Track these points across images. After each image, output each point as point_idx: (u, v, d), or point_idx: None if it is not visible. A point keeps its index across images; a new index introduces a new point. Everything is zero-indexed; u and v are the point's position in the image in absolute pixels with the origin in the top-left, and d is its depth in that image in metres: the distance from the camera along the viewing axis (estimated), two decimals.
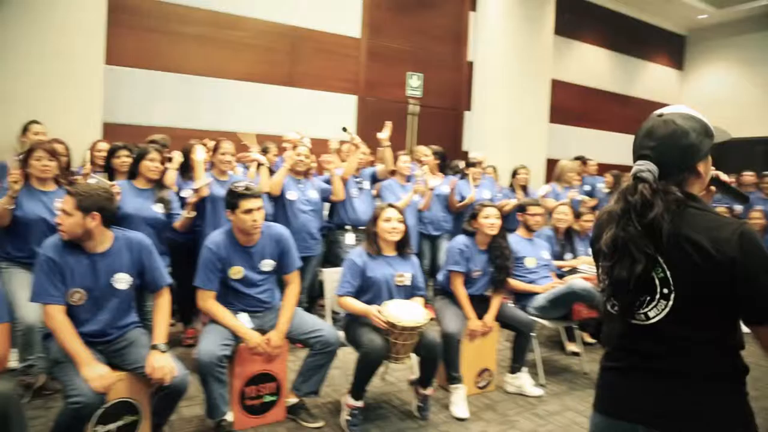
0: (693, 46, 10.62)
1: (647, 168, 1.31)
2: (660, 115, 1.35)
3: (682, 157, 1.32)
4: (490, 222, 3.48)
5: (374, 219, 3.17)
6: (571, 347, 4.46)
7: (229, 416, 2.81)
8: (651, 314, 1.30)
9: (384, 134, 4.70)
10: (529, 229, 4.12)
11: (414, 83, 7.21)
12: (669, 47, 10.49)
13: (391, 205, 3.20)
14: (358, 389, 2.94)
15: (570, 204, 4.81)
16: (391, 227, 3.11)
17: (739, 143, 10.15)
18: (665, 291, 1.27)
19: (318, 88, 6.58)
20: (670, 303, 1.26)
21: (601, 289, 1.39)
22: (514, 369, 3.63)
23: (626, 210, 1.30)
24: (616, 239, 1.30)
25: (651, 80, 10.19)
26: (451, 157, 6.09)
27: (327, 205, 4.73)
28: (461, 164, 5.70)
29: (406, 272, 3.15)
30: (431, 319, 3.05)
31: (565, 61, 8.74)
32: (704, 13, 9.79)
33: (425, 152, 5.32)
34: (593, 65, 9.27)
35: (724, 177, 1.48)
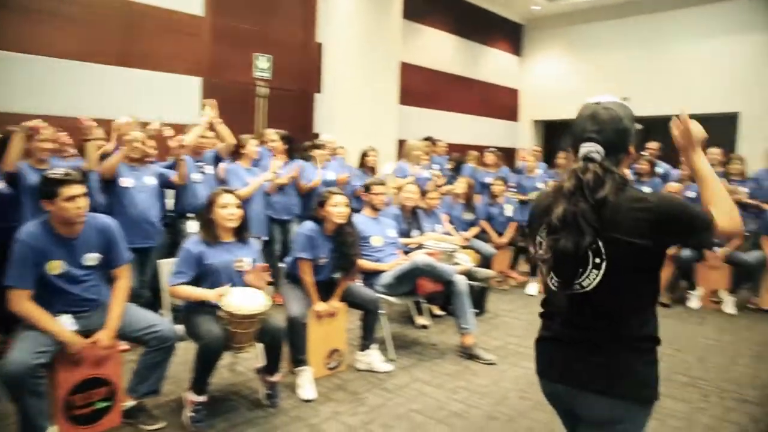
0: (529, 35, 11.49)
1: (596, 149, 1.45)
2: (598, 103, 1.50)
3: (621, 139, 1.47)
4: (338, 210, 3.48)
5: (210, 205, 3.03)
6: (420, 320, 4.66)
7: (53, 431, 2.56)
8: (584, 284, 1.43)
9: (206, 115, 4.55)
10: (374, 208, 4.20)
11: (262, 65, 7.01)
12: (509, 35, 11.26)
13: (227, 191, 3.08)
14: (199, 383, 2.82)
15: (416, 182, 4.99)
16: (228, 213, 3.00)
17: (569, 124, 11.23)
18: (597, 261, 1.40)
19: (158, 69, 6.13)
20: (601, 272, 1.40)
21: (541, 262, 1.52)
22: (364, 346, 3.70)
23: (578, 187, 1.42)
24: (566, 214, 1.40)
25: (493, 65, 10.88)
26: (302, 140, 6.02)
27: (172, 193, 4.47)
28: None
29: (246, 257, 3.06)
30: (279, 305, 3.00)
31: (413, 45, 9.02)
32: (538, 4, 10.63)
33: (272, 137, 5.21)
34: (440, 49, 9.67)
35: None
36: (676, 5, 9.47)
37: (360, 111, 7.67)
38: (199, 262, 2.94)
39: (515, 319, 4.93)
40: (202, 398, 2.83)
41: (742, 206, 6.02)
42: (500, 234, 6.07)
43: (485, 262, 5.83)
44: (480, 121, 10.57)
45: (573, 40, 10.86)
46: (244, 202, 3.31)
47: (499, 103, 11.08)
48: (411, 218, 4.81)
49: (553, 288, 1.49)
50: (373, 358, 3.69)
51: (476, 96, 10.47)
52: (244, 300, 2.79)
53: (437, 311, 4.97)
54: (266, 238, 4.92)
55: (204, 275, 2.96)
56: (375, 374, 3.62)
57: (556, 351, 1.54)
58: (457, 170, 7.25)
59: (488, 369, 3.76)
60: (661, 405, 3.24)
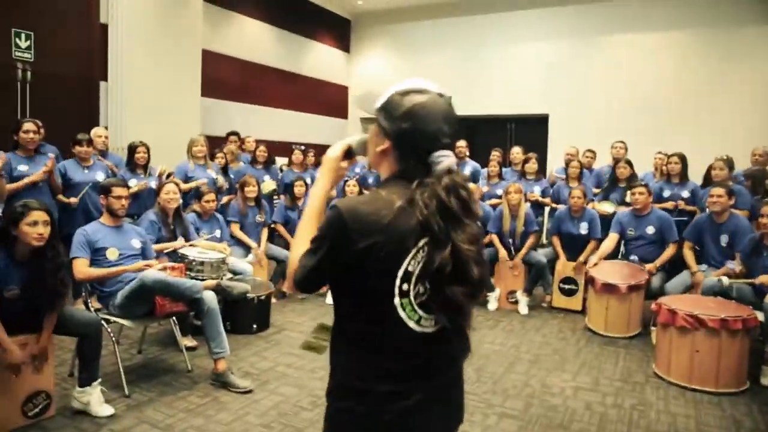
0: (356, 30, 11.24)
1: (454, 161, 1.17)
2: (441, 95, 1.20)
3: None
4: (34, 231, 2.72)
5: None
6: (185, 341, 4.00)
7: None
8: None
9: None
10: (114, 214, 3.48)
11: (22, 43, 5.87)
12: (336, 29, 10.90)
13: None
14: None
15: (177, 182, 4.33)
16: None
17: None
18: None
19: None
20: None
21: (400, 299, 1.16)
22: (83, 381, 2.99)
23: (465, 208, 1.12)
24: (475, 238, 1.13)
25: (320, 60, 10.45)
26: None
27: None
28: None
29: None
30: None
31: (223, 33, 8.27)
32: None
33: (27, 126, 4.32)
34: (256, 40, 9.01)
35: None
36: (493, 10, 9.74)
37: (155, 102, 6.77)
38: None
39: (300, 333, 4.46)
40: None
41: (538, 206, 6.17)
42: None
43: (280, 268, 5.36)
44: (307, 118, 10.08)
45: (397, 38, 10.80)
46: None
47: (328, 99, 10.69)
48: (175, 223, 4.15)
49: (420, 332, 1.17)
50: (92, 398, 2.98)
51: (303, 91, 9.98)
52: None
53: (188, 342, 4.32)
54: None
55: None
56: (92, 419, 2.92)
57: (423, 420, 1.20)
58: (267, 169, 6.69)
59: (239, 400, 3.22)
60: None
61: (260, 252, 5.20)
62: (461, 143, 7.05)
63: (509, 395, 3.41)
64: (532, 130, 9.67)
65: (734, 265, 4.06)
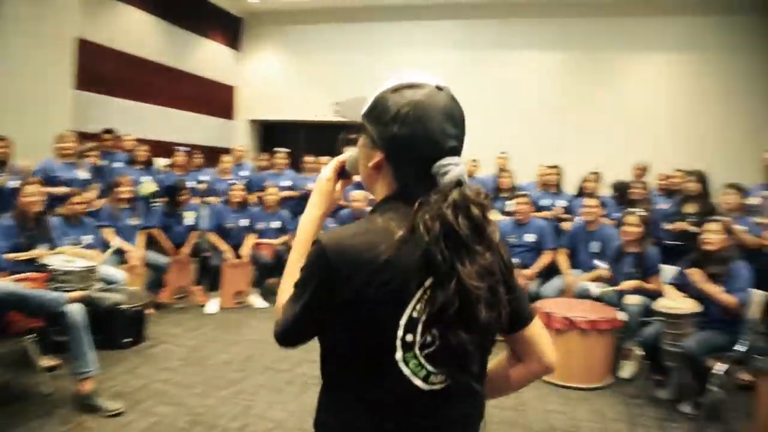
0: (248, 29, 10.89)
1: (463, 169, 0.93)
2: (440, 88, 0.97)
3: None
4: None
5: None
6: (45, 361, 3.58)
7: None
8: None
9: None
10: None
11: None
12: (226, 27, 10.48)
13: None
14: None
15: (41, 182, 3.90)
16: None
17: (285, 125, 11.04)
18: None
19: None
20: None
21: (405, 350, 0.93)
22: None
23: (477, 232, 0.89)
24: (487, 270, 0.89)
25: (208, 57, 9.99)
26: None
27: None
28: None
29: None
30: None
31: (101, 21, 7.64)
32: None
33: None
34: (139, 32, 8.42)
35: None
36: (389, 18, 9.87)
37: (17, 92, 6.09)
38: None
39: (178, 347, 4.19)
40: None
41: None
42: (178, 246, 5.30)
43: (157, 276, 5.01)
44: (191, 118, 9.57)
45: (292, 40, 10.60)
46: None
47: (214, 99, 10.22)
48: (35, 228, 3.73)
49: (428, 390, 0.95)
50: None
51: (187, 90, 9.47)
52: None
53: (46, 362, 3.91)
54: None
55: None
56: None
57: None
58: (146, 170, 6.25)
59: (110, 424, 2.94)
60: None
61: (136, 257, 4.81)
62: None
63: None
64: None
65: (601, 269, 4.39)
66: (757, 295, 3.45)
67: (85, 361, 3.06)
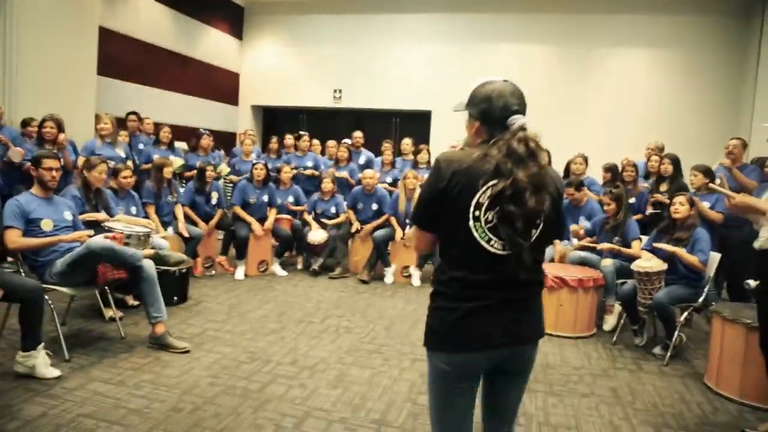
0: (250, 18, 11.32)
1: (525, 121, 1.52)
2: (505, 81, 1.59)
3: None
4: None
5: None
6: (110, 313, 4.15)
7: None
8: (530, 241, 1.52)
9: None
10: (45, 186, 3.57)
11: None
12: (229, 16, 10.90)
13: None
14: None
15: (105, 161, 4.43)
16: None
17: (286, 111, 11.54)
18: (538, 222, 1.52)
19: None
20: (539, 229, 1.53)
21: (474, 224, 1.50)
22: (26, 347, 3.12)
23: (530, 154, 1.47)
24: (534, 175, 1.45)
25: (213, 45, 10.42)
26: None
27: None
28: None
29: None
30: None
31: (118, 10, 8.07)
32: None
33: None
34: (154, 21, 8.85)
35: None
36: (383, 10, 10.37)
37: (49, 79, 6.52)
38: None
39: (218, 305, 4.77)
40: None
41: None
42: (207, 221, 5.86)
43: (193, 245, 5.55)
44: (199, 103, 10.04)
45: (292, 29, 11.05)
46: None
47: (219, 85, 10.68)
48: (96, 199, 4.26)
49: (492, 251, 1.51)
50: (37, 361, 3.12)
51: (193, 75, 9.91)
52: None
53: (132, 301, 4.51)
54: None
55: None
56: (40, 381, 3.07)
57: (496, 317, 1.55)
58: (171, 150, 6.73)
59: (181, 358, 3.52)
60: (345, 373, 3.46)
61: (182, 225, 5.40)
62: (357, 134, 7.64)
63: (416, 345, 4.03)
64: (416, 125, 10.46)
65: (576, 226, 5.16)
66: (714, 256, 4.13)
67: (158, 308, 3.63)
